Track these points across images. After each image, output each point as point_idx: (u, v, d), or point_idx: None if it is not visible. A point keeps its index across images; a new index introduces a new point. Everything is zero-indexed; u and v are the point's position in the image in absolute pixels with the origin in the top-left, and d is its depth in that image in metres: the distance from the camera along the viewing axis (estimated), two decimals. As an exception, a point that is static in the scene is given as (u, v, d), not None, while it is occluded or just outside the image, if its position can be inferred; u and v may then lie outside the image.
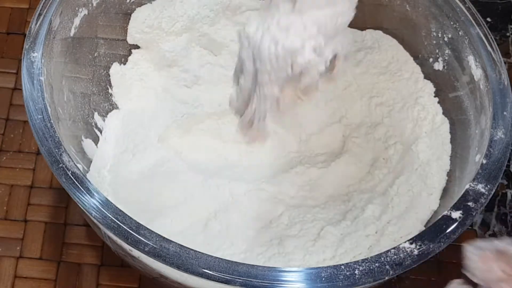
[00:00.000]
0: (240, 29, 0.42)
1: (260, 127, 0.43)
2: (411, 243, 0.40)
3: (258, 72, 0.41)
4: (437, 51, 0.54)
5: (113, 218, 0.40)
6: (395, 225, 0.50)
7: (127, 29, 0.57)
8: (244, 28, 0.41)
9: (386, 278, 0.39)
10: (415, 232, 0.47)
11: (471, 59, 0.50)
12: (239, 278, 0.38)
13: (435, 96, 0.55)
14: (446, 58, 0.54)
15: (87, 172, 0.51)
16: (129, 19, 0.57)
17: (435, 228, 0.41)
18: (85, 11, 0.52)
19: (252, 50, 0.40)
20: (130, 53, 0.59)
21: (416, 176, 0.52)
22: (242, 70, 0.42)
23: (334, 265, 0.39)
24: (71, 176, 0.41)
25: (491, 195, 0.43)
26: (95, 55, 0.56)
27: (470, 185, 0.43)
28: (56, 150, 0.42)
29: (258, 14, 0.41)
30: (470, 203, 0.42)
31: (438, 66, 0.54)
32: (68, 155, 0.42)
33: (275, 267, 0.39)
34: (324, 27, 0.40)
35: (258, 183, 0.54)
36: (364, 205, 0.52)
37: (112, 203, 0.41)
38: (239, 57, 0.42)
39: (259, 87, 0.41)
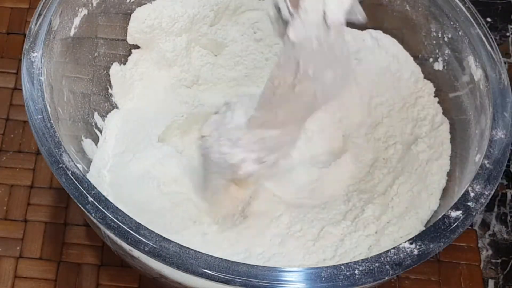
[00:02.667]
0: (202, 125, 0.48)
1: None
2: (411, 243, 0.40)
3: (206, 168, 0.48)
4: (437, 51, 0.54)
5: (113, 218, 0.40)
6: (395, 225, 0.50)
7: (127, 29, 0.57)
8: (202, 128, 0.48)
9: (386, 278, 0.39)
10: (415, 232, 0.47)
11: (471, 59, 0.50)
12: (239, 278, 0.38)
13: (435, 96, 0.55)
14: (446, 58, 0.54)
15: (87, 172, 0.51)
16: (129, 19, 0.57)
17: (435, 228, 0.41)
18: (85, 11, 0.52)
19: (204, 150, 0.47)
20: (130, 53, 0.59)
21: (416, 176, 0.52)
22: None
23: (334, 265, 0.39)
24: (71, 176, 0.41)
25: (491, 195, 0.43)
26: (95, 55, 0.56)
27: (470, 185, 0.43)
28: (56, 150, 0.42)
29: (216, 117, 0.48)
30: (470, 203, 0.42)
31: (438, 66, 0.54)
32: (68, 155, 0.42)
33: (275, 267, 0.39)
34: (268, 144, 0.45)
35: (258, 182, 0.54)
36: (364, 205, 0.52)
37: (112, 203, 0.41)
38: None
39: (207, 180, 0.49)
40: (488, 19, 0.70)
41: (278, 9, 0.40)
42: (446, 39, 0.53)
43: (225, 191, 0.50)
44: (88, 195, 0.41)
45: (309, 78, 0.40)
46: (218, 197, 0.51)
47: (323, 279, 0.38)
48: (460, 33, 0.51)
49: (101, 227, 0.41)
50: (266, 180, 0.55)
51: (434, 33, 0.54)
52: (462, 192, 0.43)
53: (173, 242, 0.39)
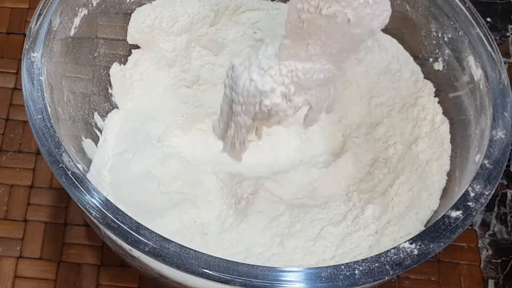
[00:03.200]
0: (231, 59, 0.46)
1: (242, 149, 0.48)
2: (411, 243, 0.40)
3: (233, 101, 0.45)
4: (437, 51, 0.54)
5: (113, 218, 0.40)
6: (395, 225, 0.50)
7: (127, 29, 0.57)
8: (233, 59, 0.45)
9: (386, 278, 0.39)
10: (415, 232, 0.47)
11: (471, 59, 0.50)
12: (239, 278, 0.38)
13: (435, 96, 0.55)
14: (446, 58, 0.54)
15: (87, 172, 0.51)
16: (129, 19, 0.57)
17: (435, 228, 0.41)
18: (85, 11, 0.52)
19: (231, 80, 0.45)
20: (130, 53, 0.59)
21: (416, 176, 0.52)
22: (223, 98, 0.47)
23: (334, 265, 0.39)
24: (71, 176, 0.41)
25: (491, 195, 0.43)
26: (95, 55, 0.56)
27: (470, 185, 0.43)
28: (56, 150, 0.42)
29: (249, 50, 0.46)
30: (470, 203, 0.42)
31: (438, 66, 0.54)
32: (68, 155, 0.42)
33: (275, 267, 0.39)
34: (297, 78, 0.43)
35: (258, 182, 0.54)
36: (364, 205, 0.52)
37: (112, 203, 0.41)
38: (224, 85, 0.46)
39: (234, 115, 0.46)
40: (488, 19, 0.70)
41: None
42: (446, 39, 0.53)
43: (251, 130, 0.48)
44: (88, 195, 0.41)
45: None
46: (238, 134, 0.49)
47: (323, 279, 0.38)
48: (460, 33, 0.51)
49: (101, 227, 0.41)
50: (267, 180, 0.55)
51: (434, 33, 0.54)
52: (462, 192, 0.43)
53: (173, 242, 0.39)
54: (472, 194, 0.43)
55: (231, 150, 0.48)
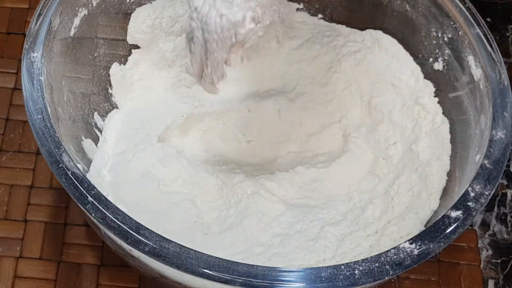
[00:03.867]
0: (189, 1, 0.48)
1: (220, 81, 0.51)
2: (411, 243, 0.40)
3: (207, 41, 0.47)
4: (437, 51, 0.54)
5: (113, 218, 0.40)
6: (395, 225, 0.50)
7: (127, 29, 0.57)
8: (192, 1, 0.47)
9: (386, 278, 0.39)
10: (415, 232, 0.47)
11: (471, 59, 0.50)
12: (239, 278, 0.38)
13: (435, 96, 0.55)
14: (446, 58, 0.54)
15: (87, 172, 0.51)
16: (129, 19, 0.57)
17: (435, 228, 0.41)
18: (85, 11, 0.52)
19: (200, 22, 0.46)
20: (130, 53, 0.59)
21: (416, 176, 0.52)
22: (192, 39, 0.48)
23: (334, 265, 0.39)
24: (71, 176, 0.41)
25: (491, 195, 0.43)
26: (95, 55, 0.56)
27: (470, 185, 0.43)
28: (56, 150, 0.42)
29: None
30: (470, 203, 0.42)
31: (438, 66, 0.54)
32: (68, 155, 0.42)
33: (275, 267, 0.39)
34: None
35: (258, 182, 0.54)
36: (364, 205, 0.52)
37: (112, 203, 0.41)
38: (189, 27, 0.48)
39: (210, 53, 0.47)
40: (488, 19, 0.70)
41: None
42: (446, 39, 0.53)
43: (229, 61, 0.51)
44: (88, 195, 0.41)
45: None
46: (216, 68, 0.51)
47: (323, 279, 0.38)
48: (460, 33, 0.51)
49: (101, 227, 0.41)
50: (266, 180, 0.55)
51: (434, 33, 0.54)
52: (462, 192, 0.43)
53: (173, 242, 0.39)
54: (472, 194, 0.43)
55: (209, 86, 0.51)
